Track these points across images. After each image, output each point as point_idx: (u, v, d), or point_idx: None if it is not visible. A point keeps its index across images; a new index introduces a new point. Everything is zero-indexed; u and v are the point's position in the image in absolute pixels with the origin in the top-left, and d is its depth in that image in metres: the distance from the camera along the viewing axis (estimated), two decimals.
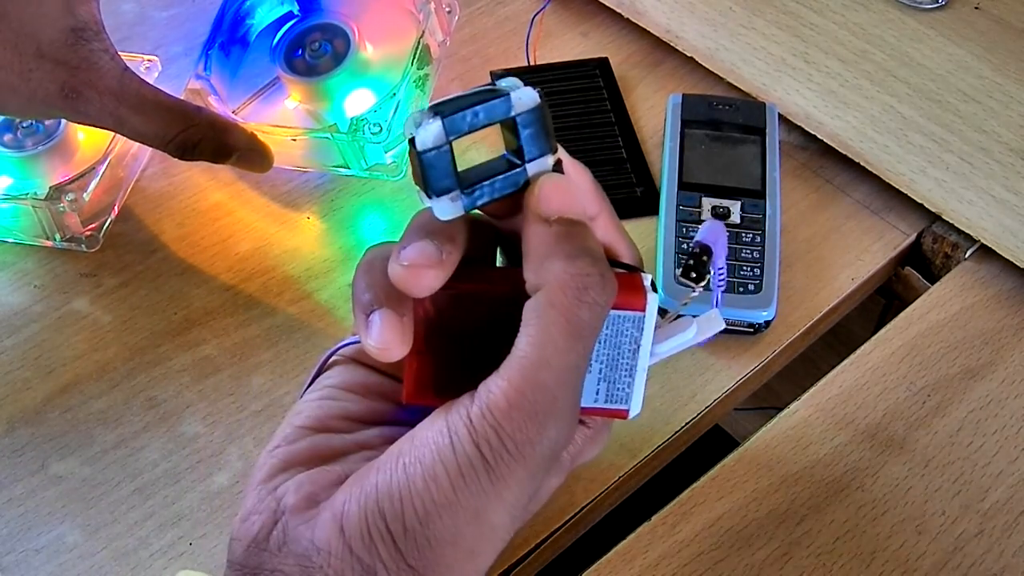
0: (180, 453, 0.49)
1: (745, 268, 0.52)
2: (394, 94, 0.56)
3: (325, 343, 0.52)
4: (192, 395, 0.51)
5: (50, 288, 0.55)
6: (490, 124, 0.36)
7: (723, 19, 0.63)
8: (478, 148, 0.55)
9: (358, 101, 0.58)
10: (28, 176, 0.56)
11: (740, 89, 0.61)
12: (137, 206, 0.58)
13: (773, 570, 0.45)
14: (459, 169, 0.36)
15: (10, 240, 0.56)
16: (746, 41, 0.62)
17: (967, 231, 0.54)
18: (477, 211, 0.38)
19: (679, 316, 0.40)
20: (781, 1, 0.64)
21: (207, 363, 0.52)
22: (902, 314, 0.53)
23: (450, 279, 0.37)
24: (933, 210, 0.55)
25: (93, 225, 0.56)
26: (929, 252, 0.57)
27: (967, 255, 0.55)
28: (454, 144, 0.35)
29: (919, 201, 0.56)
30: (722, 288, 0.41)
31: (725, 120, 0.58)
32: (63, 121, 0.56)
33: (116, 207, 0.57)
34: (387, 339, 0.37)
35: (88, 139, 0.57)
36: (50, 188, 0.54)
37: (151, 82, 0.51)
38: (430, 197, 0.36)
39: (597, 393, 0.39)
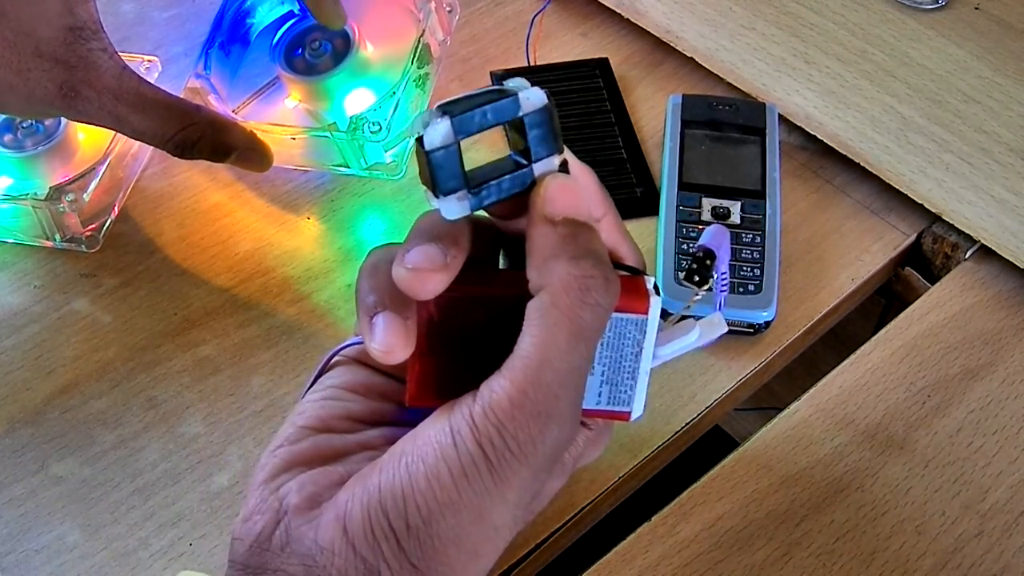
0: (180, 453, 0.49)
1: (745, 268, 0.52)
2: (394, 93, 0.56)
3: (325, 343, 0.52)
4: (192, 395, 0.51)
5: (50, 288, 0.55)
6: (498, 124, 0.36)
7: (723, 19, 0.63)
8: (478, 148, 0.55)
9: (358, 100, 0.58)
10: (28, 176, 0.56)
11: (740, 89, 0.61)
12: (137, 206, 0.58)
13: (773, 570, 0.45)
14: (466, 170, 0.36)
15: (10, 240, 0.56)
16: (746, 41, 0.62)
17: (967, 231, 0.54)
18: (483, 212, 0.38)
19: (682, 319, 0.40)
20: (781, 1, 0.64)
21: (207, 363, 0.52)
22: (902, 314, 0.53)
23: (454, 281, 0.37)
24: (933, 210, 0.55)
25: (93, 225, 0.56)
26: (929, 252, 0.57)
27: (967, 255, 0.55)
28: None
29: (919, 201, 0.56)
30: (725, 292, 0.41)
31: (725, 120, 0.58)
32: (63, 121, 0.56)
33: (116, 207, 0.57)
34: (391, 342, 0.37)
35: (88, 139, 0.57)
36: (50, 188, 0.54)
37: (151, 82, 0.51)
38: (438, 197, 0.36)
39: (600, 395, 0.39)
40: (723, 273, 0.41)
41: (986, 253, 0.55)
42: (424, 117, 0.35)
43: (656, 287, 0.38)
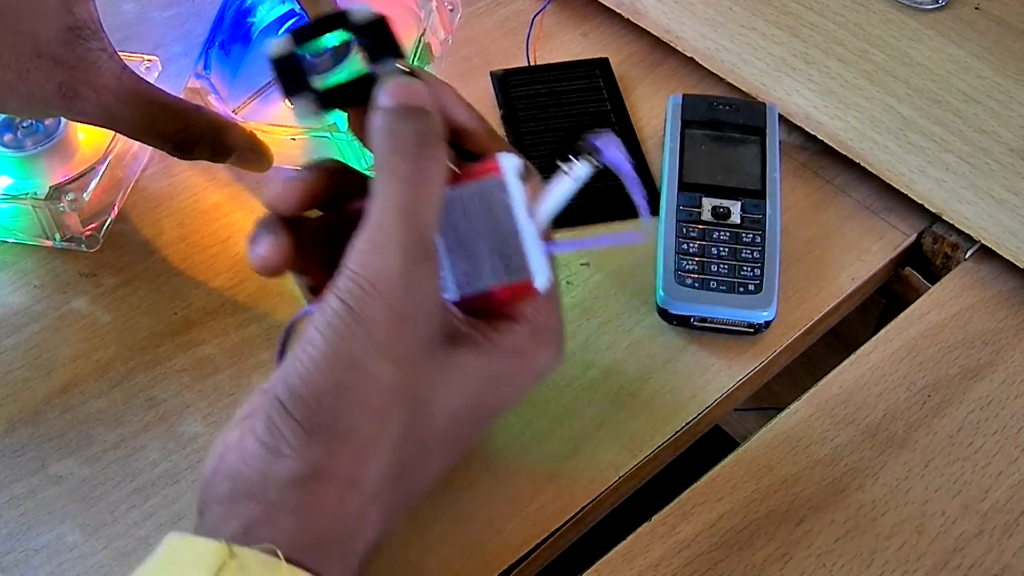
0: (180, 453, 0.49)
1: (745, 268, 0.52)
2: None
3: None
4: (192, 395, 0.51)
5: (50, 288, 0.55)
6: (332, 34, 0.42)
7: (723, 19, 0.63)
8: None
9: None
10: (28, 176, 0.56)
11: (740, 89, 0.61)
12: (137, 206, 0.58)
13: (773, 570, 0.45)
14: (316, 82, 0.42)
15: (10, 240, 0.56)
16: (746, 41, 0.62)
17: (967, 231, 0.54)
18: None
19: (553, 176, 0.42)
20: (781, 1, 0.64)
21: (207, 363, 0.52)
22: (902, 314, 0.53)
23: (340, 211, 0.42)
24: (933, 210, 0.55)
25: (93, 225, 0.56)
26: (929, 252, 0.57)
27: (967, 255, 0.55)
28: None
29: (919, 201, 0.56)
30: (627, 168, 0.42)
31: (725, 120, 0.58)
32: (63, 121, 0.56)
33: (116, 207, 0.57)
34: (262, 251, 0.42)
35: (88, 139, 0.57)
36: (50, 188, 0.54)
37: (151, 82, 0.51)
38: (288, 99, 0.42)
39: (494, 269, 0.41)
40: (621, 159, 0.42)
41: (986, 253, 0.55)
42: (275, 40, 0.42)
43: (526, 165, 0.41)
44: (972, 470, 0.47)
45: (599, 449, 0.48)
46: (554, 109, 0.61)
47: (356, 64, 0.54)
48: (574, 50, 0.65)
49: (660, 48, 0.64)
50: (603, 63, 0.64)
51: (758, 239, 0.53)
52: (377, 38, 0.41)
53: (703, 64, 0.62)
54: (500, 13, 0.68)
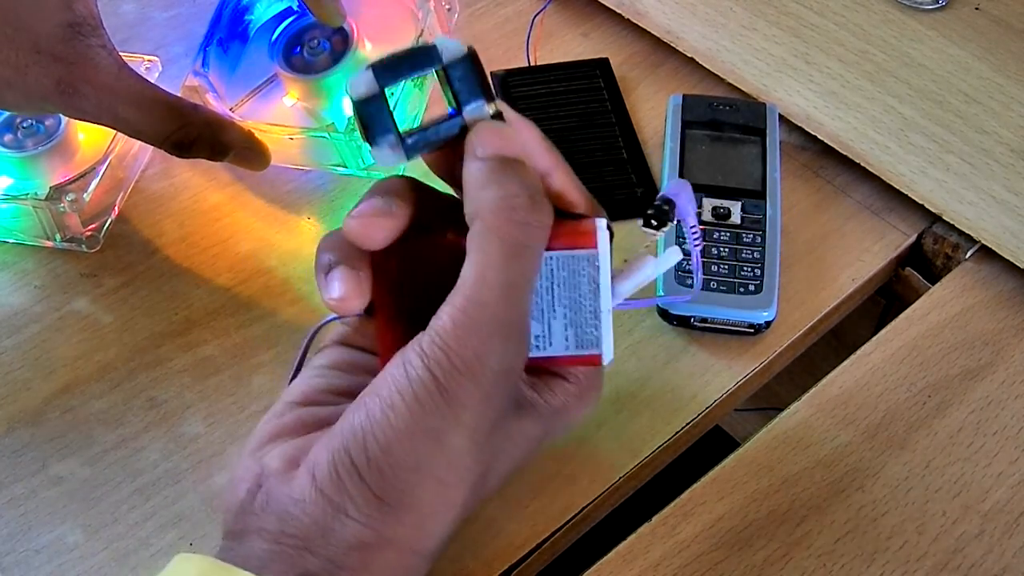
0: (181, 453, 0.49)
1: (745, 268, 0.52)
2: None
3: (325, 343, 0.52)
4: (193, 395, 0.51)
5: (50, 288, 0.55)
6: (420, 74, 0.39)
7: (724, 20, 0.63)
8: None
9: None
10: (28, 176, 0.56)
11: (741, 90, 0.61)
12: (137, 207, 0.58)
13: (774, 571, 0.45)
14: (400, 125, 0.39)
15: (10, 240, 0.56)
16: (747, 42, 0.62)
17: (968, 232, 0.54)
18: (450, 190, 0.40)
19: (637, 256, 0.42)
20: (782, 2, 0.64)
21: (208, 363, 0.52)
22: (902, 315, 0.53)
23: (416, 244, 0.40)
24: (934, 211, 0.55)
25: (93, 225, 0.56)
26: (930, 253, 0.57)
27: (968, 256, 0.55)
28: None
29: (920, 202, 0.56)
30: (698, 247, 0.42)
31: (726, 121, 0.58)
32: (63, 121, 0.56)
33: (116, 207, 0.57)
34: (343, 291, 0.39)
35: (88, 139, 0.57)
36: (50, 188, 0.54)
37: (150, 80, 0.51)
38: (371, 145, 0.39)
39: (567, 339, 0.40)
40: (693, 227, 0.42)
41: (987, 253, 0.54)
42: (354, 75, 0.38)
43: (610, 227, 0.40)
44: (972, 470, 0.47)
45: (599, 449, 0.48)
46: (554, 109, 0.61)
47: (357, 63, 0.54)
48: (574, 50, 0.65)
49: (661, 48, 0.64)
50: (603, 63, 0.64)
51: (758, 239, 0.53)
52: (467, 77, 0.39)
53: (704, 64, 0.62)
54: (500, 13, 0.68)
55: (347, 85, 0.38)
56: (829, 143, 0.58)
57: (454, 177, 0.40)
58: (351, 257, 0.40)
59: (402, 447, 0.36)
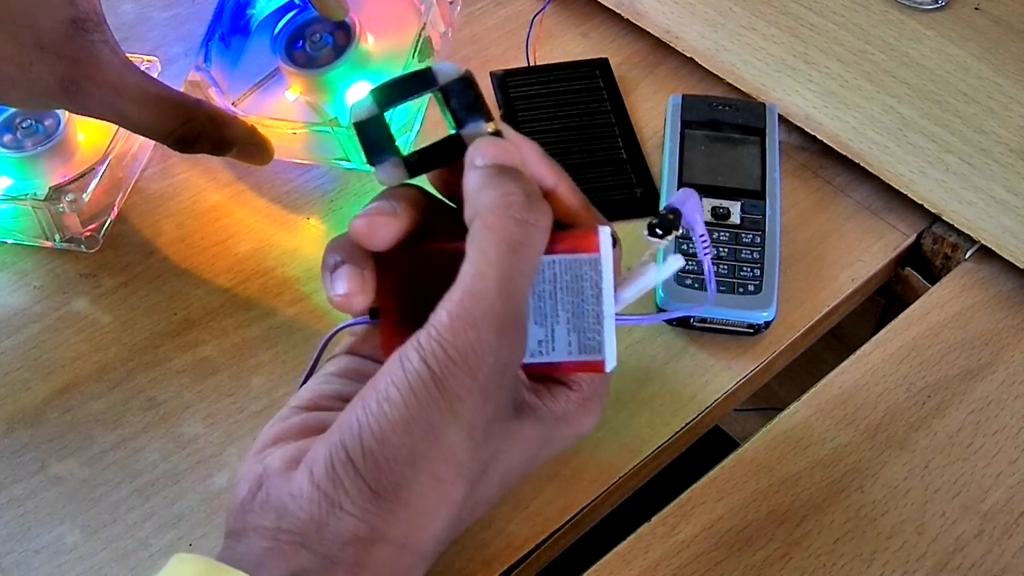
0: (180, 454, 0.49)
1: (745, 269, 0.52)
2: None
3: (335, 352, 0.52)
4: (192, 396, 0.51)
5: (50, 289, 0.55)
6: (417, 96, 0.41)
7: (723, 20, 0.63)
8: None
9: (359, 94, 0.57)
10: (28, 177, 0.56)
11: (740, 90, 0.61)
12: (137, 207, 0.58)
13: (773, 571, 0.45)
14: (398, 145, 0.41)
15: (10, 241, 0.56)
16: (746, 42, 0.62)
17: (967, 232, 0.54)
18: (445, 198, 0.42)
19: (640, 263, 0.42)
20: (781, 2, 0.64)
21: (207, 364, 0.52)
22: (902, 315, 0.53)
23: (421, 247, 0.41)
24: (933, 211, 0.55)
25: (93, 226, 0.56)
26: (929, 253, 0.57)
27: (967, 256, 0.55)
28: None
29: (919, 202, 0.56)
30: (708, 255, 0.42)
31: (725, 121, 0.58)
32: (63, 121, 0.56)
33: (116, 208, 0.57)
34: (347, 288, 0.40)
35: (88, 139, 0.57)
36: (50, 189, 0.54)
37: (152, 77, 0.51)
38: (373, 165, 0.41)
39: (569, 344, 0.41)
40: (701, 235, 0.42)
41: (986, 253, 0.55)
42: (356, 102, 0.41)
43: (615, 236, 0.41)
44: (972, 471, 0.47)
45: (599, 449, 0.48)
46: (554, 109, 0.61)
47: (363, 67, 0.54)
48: (574, 50, 0.65)
49: (660, 48, 0.64)
50: (603, 63, 0.64)
51: (758, 239, 0.53)
52: (464, 98, 0.40)
53: (703, 64, 0.62)
54: (500, 13, 0.68)
55: (349, 111, 0.40)
56: (828, 143, 0.58)
57: (456, 195, 0.41)
58: (356, 256, 0.41)
59: (398, 439, 0.36)
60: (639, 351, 0.52)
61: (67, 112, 0.57)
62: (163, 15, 0.68)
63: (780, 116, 0.59)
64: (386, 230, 0.40)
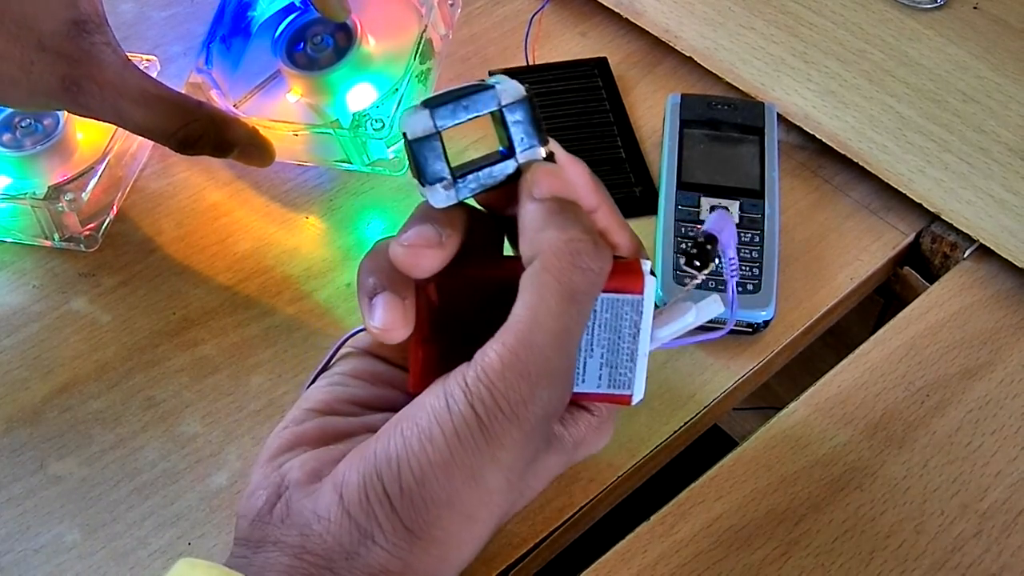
0: (179, 453, 0.49)
1: (744, 268, 0.52)
2: (396, 89, 0.55)
3: (324, 343, 0.52)
4: (191, 395, 0.51)
5: (49, 288, 0.55)
6: (477, 116, 0.38)
7: (722, 19, 0.63)
8: (476, 148, 0.56)
9: (360, 95, 0.58)
10: (27, 176, 0.56)
11: (739, 89, 0.61)
12: (136, 206, 0.58)
13: (772, 570, 0.45)
14: (457, 164, 0.38)
15: (9, 240, 0.56)
16: (745, 41, 0.62)
17: (966, 231, 0.54)
18: (474, 202, 0.39)
19: (678, 301, 0.41)
20: (780, 1, 0.64)
21: (206, 363, 0.52)
22: (901, 314, 0.53)
23: (455, 267, 0.38)
24: (932, 210, 0.55)
25: (92, 225, 0.56)
26: (928, 252, 0.57)
27: (966, 255, 0.55)
28: (446, 138, 0.37)
29: (918, 201, 0.56)
30: (735, 277, 0.42)
31: (724, 120, 0.58)
32: (62, 121, 0.56)
33: (115, 207, 0.57)
34: (389, 320, 0.38)
35: (87, 139, 0.57)
36: (49, 188, 0.54)
37: (154, 77, 0.51)
38: (423, 185, 0.38)
39: (600, 378, 0.40)
40: (731, 258, 0.41)
41: (985, 252, 0.55)
42: (409, 111, 0.37)
43: (652, 270, 0.39)
44: (971, 469, 0.47)
45: None
46: (553, 109, 0.61)
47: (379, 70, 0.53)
48: (573, 50, 0.65)
49: (659, 47, 0.64)
50: (602, 63, 0.64)
51: (757, 239, 0.53)
52: (523, 120, 0.38)
53: (702, 64, 0.62)
54: (499, 13, 0.68)
55: (402, 123, 0.37)
56: (827, 142, 0.58)
57: (495, 206, 0.40)
58: (396, 283, 0.39)
59: (438, 482, 0.35)
60: None
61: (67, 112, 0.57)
62: (162, 14, 0.68)
63: (779, 115, 0.59)
64: (431, 261, 0.38)
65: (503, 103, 0.38)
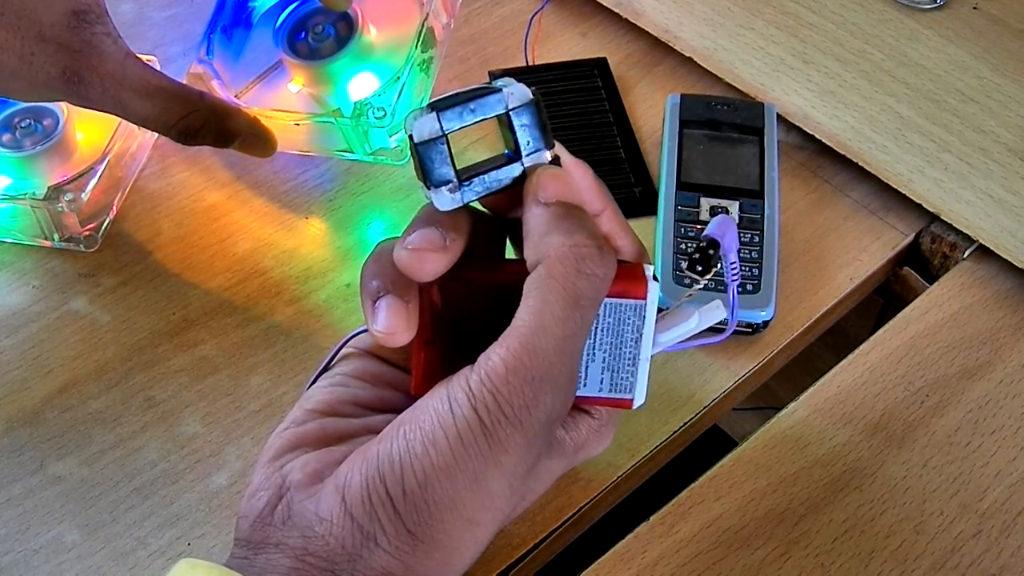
0: (178, 453, 0.49)
1: (743, 268, 0.52)
2: (398, 78, 0.55)
3: (323, 343, 0.52)
4: (190, 395, 0.51)
5: (48, 288, 0.55)
6: (484, 119, 0.38)
7: (722, 19, 0.63)
8: (476, 148, 0.56)
9: (361, 85, 0.58)
10: (26, 176, 0.56)
11: (739, 89, 0.61)
12: (135, 206, 0.58)
13: (771, 570, 0.45)
14: (461, 166, 0.38)
15: (8, 240, 0.56)
16: (745, 41, 0.62)
17: (965, 231, 0.55)
18: (478, 204, 0.39)
19: (681, 306, 0.41)
20: (780, 1, 0.64)
21: (205, 363, 0.52)
22: (900, 314, 0.53)
23: (458, 270, 0.38)
24: (931, 210, 0.55)
25: (91, 225, 0.56)
26: (927, 252, 0.57)
27: (965, 255, 0.55)
28: (451, 140, 0.37)
29: (917, 201, 0.56)
30: (736, 280, 0.42)
31: (724, 120, 0.58)
32: (62, 121, 0.56)
33: (115, 207, 0.57)
34: (392, 324, 0.38)
35: (87, 139, 0.57)
36: (48, 188, 0.54)
37: (155, 68, 0.51)
38: (429, 188, 0.38)
39: (601, 382, 0.40)
40: (733, 262, 0.41)
41: (984, 253, 0.55)
42: (414, 114, 0.37)
43: (655, 275, 0.39)
44: (970, 470, 0.47)
45: None
46: (552, 109, 0.61)
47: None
48: (572, 50, 0.65)
49: (658, 48, 0.64)
50: (601, 63, 0.64)
51: (756, 239, 0.53)
52: (530, 124, 0.38)
53: (701, 64, 0.62)
54: (498, 13, 0.68)
55: (408, 125, 0.37)
56: (827, 142, 0.58)
57: (498, 208, 0.40)
58: (400, 286, 0.39)
59: (441, 485, 0.35)
60: None
61: (66, 111, 0.57)
62: (162, 14, 0.68)
63: (779, 115, 0.59)
64: (435, 264, 0.38)
65: (510, 106, 0.38)
